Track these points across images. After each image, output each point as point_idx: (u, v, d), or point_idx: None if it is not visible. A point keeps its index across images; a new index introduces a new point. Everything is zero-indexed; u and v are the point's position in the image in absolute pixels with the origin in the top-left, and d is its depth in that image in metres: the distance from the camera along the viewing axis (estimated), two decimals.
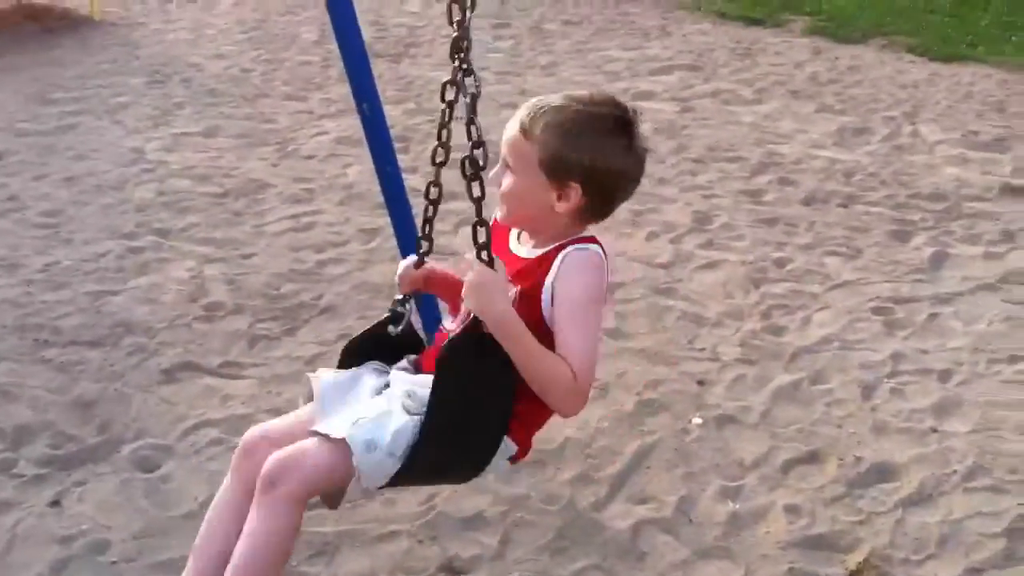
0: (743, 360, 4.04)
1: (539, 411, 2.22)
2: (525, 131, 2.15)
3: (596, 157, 2.11)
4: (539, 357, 2.08)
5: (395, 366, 2.44)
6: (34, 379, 3.78)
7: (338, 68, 7.55)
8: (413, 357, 2.47)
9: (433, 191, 2.42)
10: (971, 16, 9.55)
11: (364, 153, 5.77)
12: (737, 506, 3.22)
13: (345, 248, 4.93)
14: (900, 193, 5.67)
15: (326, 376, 2.37)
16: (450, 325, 2.37)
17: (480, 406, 2.13)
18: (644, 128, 2.21)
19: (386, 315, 2.50)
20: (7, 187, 5.55)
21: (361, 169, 5.76)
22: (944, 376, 3.96)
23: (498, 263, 2.11)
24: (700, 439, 3.55)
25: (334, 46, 8.10)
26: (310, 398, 2.35)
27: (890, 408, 3.75)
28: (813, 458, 3.47)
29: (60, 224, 5.12)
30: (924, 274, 4.79)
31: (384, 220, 4.63)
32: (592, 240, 2.19)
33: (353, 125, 6.25)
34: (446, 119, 2.29)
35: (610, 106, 2.17)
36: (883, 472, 3.40)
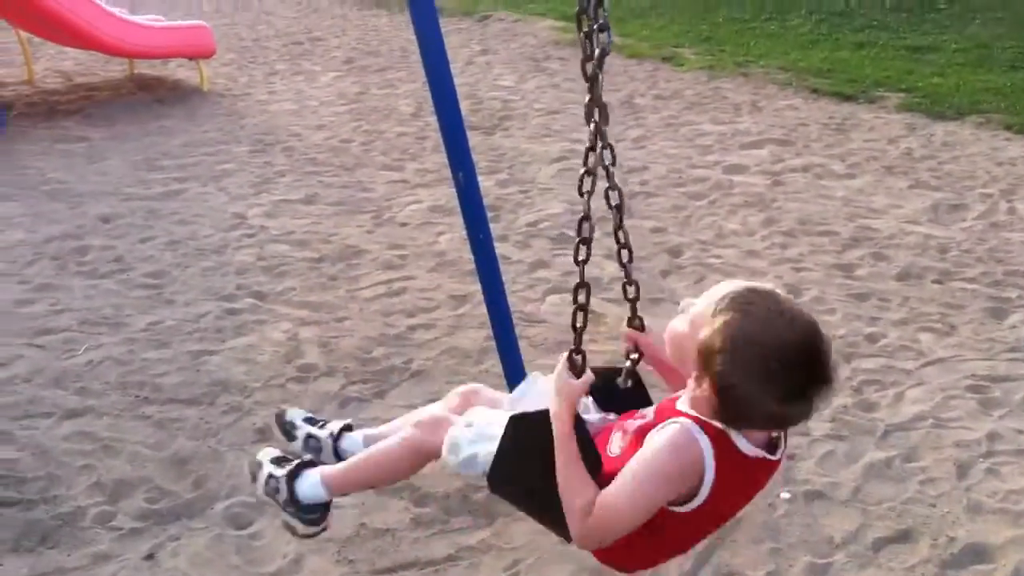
0: (833, 436, 3.98)
1: (652, 550, 2.25)
2: (711, 311, 2.02)
3: (743, 382, 1.94)
4: (569, 474, 2.12)
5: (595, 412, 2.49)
6: (134, 435, 3.92)
7: (433, 139, 7.74)
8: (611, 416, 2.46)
9: (581, 295, 2.25)
10: None
11: (456, 221, 5.91)
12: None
13: (435, 314, 5.01)
14: (996, 270, 5.57)
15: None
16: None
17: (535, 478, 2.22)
18: (831, 357, 1.96)
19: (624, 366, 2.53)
20: (114, 249, 5.79)
21: (452, 237, 5.87)
22: None
23: (588, 374, 2.22)
24: (788, 514, 3.51)
25: (430, 119, 8.36)
26: None
27: (985, 488, 3.66)
28: (905, 537, 3.40)
29: (163, 285, 5.32)
30: (1021, 353, 4.68)
31: (473, 287, 4.71)
32: (709, 429, 2.03)
33: (446, 194, 6.41)
34: (586, 194, 2.29)
35: (802, 335, 1.96)
36: (978, 553, 3.31)
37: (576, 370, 2.21)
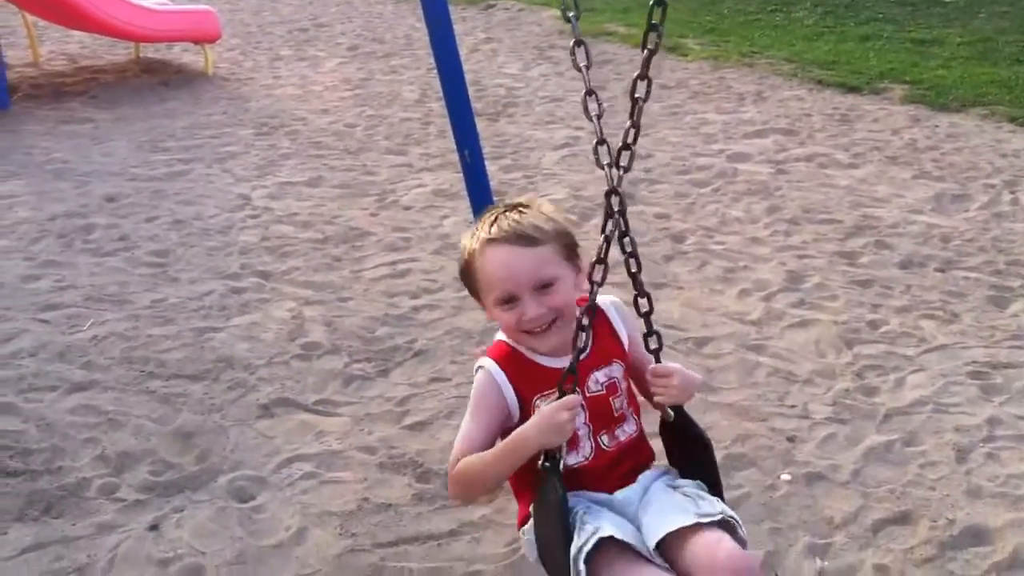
0: (834, 419, 4.00)
1: None
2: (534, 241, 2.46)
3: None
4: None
5: None
6: (138, 409, 3.94)
7: (437, 125, 7.74)
8: None
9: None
10: None
11: (460, 205, 5.94)
12: (825, 563, 3.18)
13: (439, 295, 5.02)
14: (999, 260, 5.58)
15: None
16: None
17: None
18: None
19: None
20: (119, 228, 5.80)
21: (457, 220, 5.88)
22: None
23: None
24: (789, 495, 3.52)
25: (434, 105, 8.38)
26: None
27: (985, 472, 3.67)
28: (904, 519, 3.41)
29: (168, 264, 5.33)
30: (1022, 340, 4.69)
31: None
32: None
33: (450, 178, 6.43)
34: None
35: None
36: (976, 536, 3.33)
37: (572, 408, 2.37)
